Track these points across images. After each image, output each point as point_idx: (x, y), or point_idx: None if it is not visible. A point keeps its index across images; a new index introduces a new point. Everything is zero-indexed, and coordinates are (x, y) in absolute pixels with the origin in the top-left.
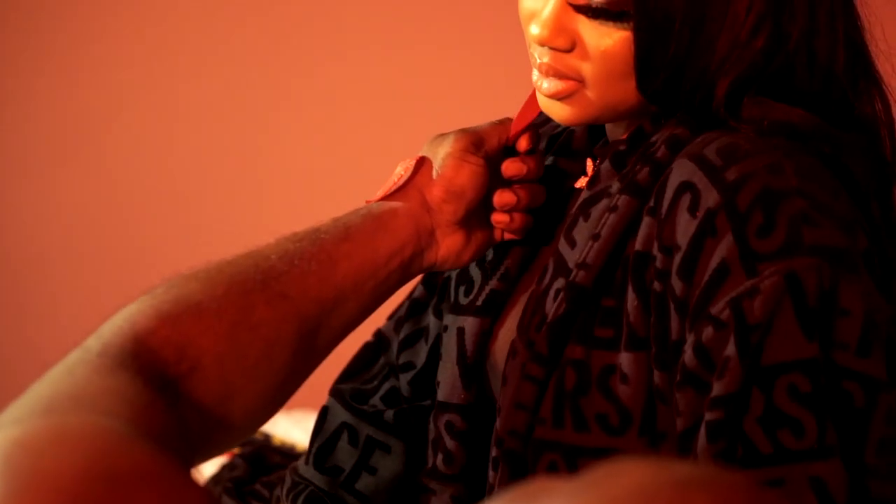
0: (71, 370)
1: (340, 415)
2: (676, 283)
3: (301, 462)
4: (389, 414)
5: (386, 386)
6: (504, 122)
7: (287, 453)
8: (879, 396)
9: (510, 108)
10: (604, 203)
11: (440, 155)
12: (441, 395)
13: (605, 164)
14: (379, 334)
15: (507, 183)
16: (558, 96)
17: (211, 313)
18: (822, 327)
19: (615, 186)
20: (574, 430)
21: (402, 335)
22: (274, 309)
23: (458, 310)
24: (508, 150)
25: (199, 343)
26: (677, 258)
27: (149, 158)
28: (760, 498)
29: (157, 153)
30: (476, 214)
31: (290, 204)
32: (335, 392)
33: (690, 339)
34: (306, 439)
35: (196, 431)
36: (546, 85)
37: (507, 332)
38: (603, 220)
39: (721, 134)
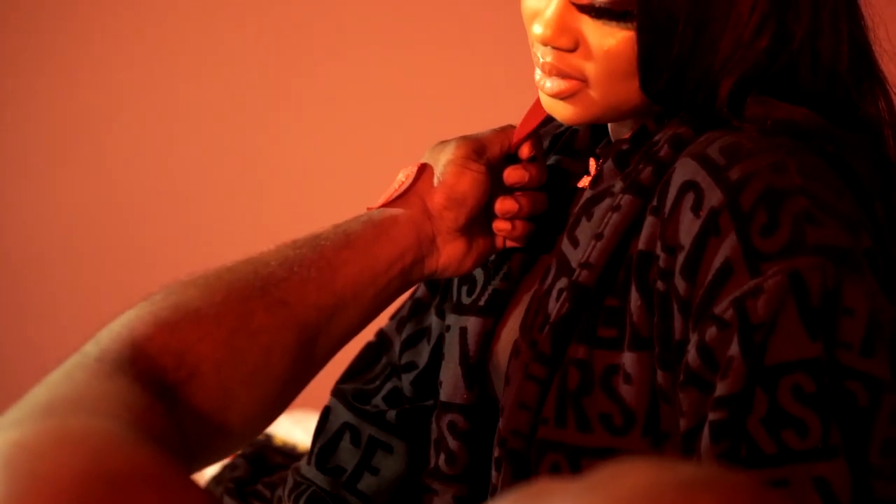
0: (69, 375)
1: (342, 415)
2: (680, 283)
3: (303, 462)
4: (392, 414)
5: (388, 386)
6: (506, 130)
7: (288, 453)
8: (883, 396)
9: (510, 108)
10: (607, 202)
11: (442, 162)
12: (443, 395)
13: (608, 164)
14: (381, 334)
15: (509, 190)
16: (561, 96)
17: (209, 320)
18: (825, 327)
19: (618, 186)
20: (577, 431)
21: (404, 335)
22: (273, 315)
23: (460, 309)
24: (510, 158)
25: (198, 350)
26: (680, 258)
27: (149, 158)
28: (764, 498)
29: (157, 153)
30: (477, 222)
31: (290, 204)
32: (337, 392)
33: (694, 338)
34: (308, 439)
35: (194, 437)
36: (549, 84)
37: (509, 331)
38: (606, 220)
39: (724, 133)
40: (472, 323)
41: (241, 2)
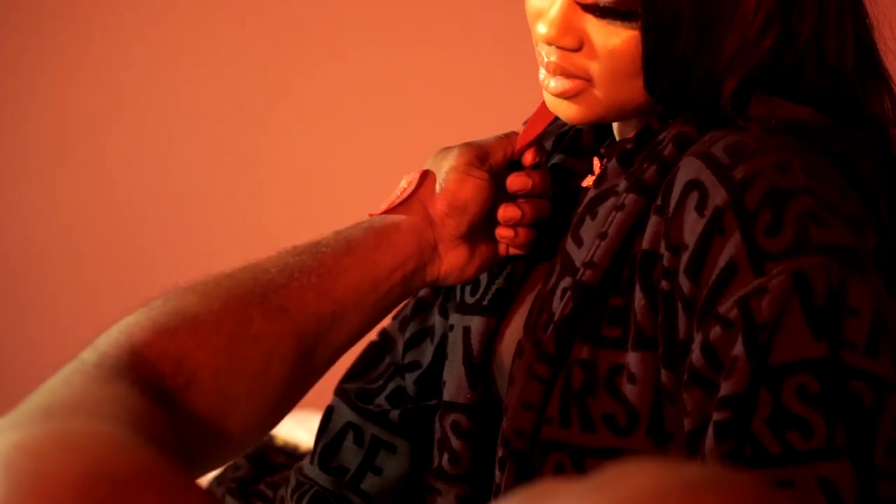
0: (67, 380)
1: (345, 414)
2: (684, 282)
3: (306, 462)
4: (395, 414)
5: (391, 385)
6: (509, 136)
7: (290, 453)
8: (888, 397)
9: (511, 108)
10: (611, 202)
11: (444, 169)
12: (447, 394)
13: (612, 163)
14: (384, 333)
15: (512, 197)
16: (565, 95)
17: (208, 326)
18: (830, 327)
19: (622, 185)
20: (581, 430)
21: (407, 334)
22: (272, 322)
23: (464, 309)
24: (514, 165)
25: (196, 356)
26: (685, 257)
27: (149, 158)
28: (769, 499)
29: (157, 153)
30: (480, 229)
31: (290, 204)
32: (340, 391)
33: (698, 338)
34: (310, 439)
35: (193, 443)
36: (553, 84)
37: (513, 331)
38: (610, 219)
39: (729, 132)
40: (475, 322)
41: (241, 2)
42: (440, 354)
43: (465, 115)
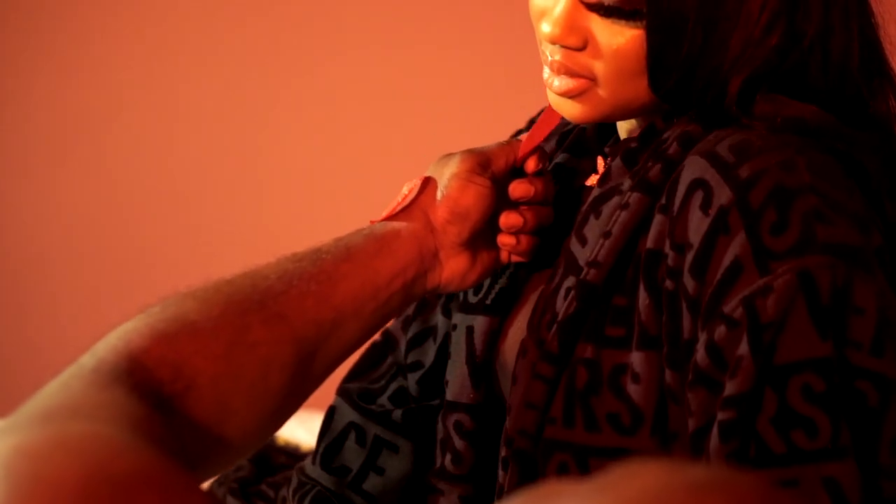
0: (66, 385)
1: (348, 414)
2: (689, 282)
3: (308, 462)
4: (397, 413)
5: (394, 385)
6: (512, 143)
7: (292, 453)
8: (893, 396)
9: (511, 108)
10: (615, 201)
11: (446, 175)
12: (450, 394)
13: (617, 162)
14: (386, 333)
15: (514, 204)
16: (569, 94)
17: (206, 333)
18: (835, 326)
19: (626, 184)
20: (585, 430)
21: (410, 334)
22: (271, 329)
23: (467, 308)
24: (516, 171)
25: (194, 362)
26: (689, 256)
27: (149, 158)
28: (774, 500)
29: (157, 153)
30: (482, 236)
31: (289, 204)
32: (342, 391)
33: (703, 337)
34: (311, 439)
35: (192, 449)
36: (557, 83)
37: (516, 330)
38: (614, 218)
39: (733, 131)
40: (478, 322)
41: (241, 2)
42: (443, 354)
43: (465, 116)
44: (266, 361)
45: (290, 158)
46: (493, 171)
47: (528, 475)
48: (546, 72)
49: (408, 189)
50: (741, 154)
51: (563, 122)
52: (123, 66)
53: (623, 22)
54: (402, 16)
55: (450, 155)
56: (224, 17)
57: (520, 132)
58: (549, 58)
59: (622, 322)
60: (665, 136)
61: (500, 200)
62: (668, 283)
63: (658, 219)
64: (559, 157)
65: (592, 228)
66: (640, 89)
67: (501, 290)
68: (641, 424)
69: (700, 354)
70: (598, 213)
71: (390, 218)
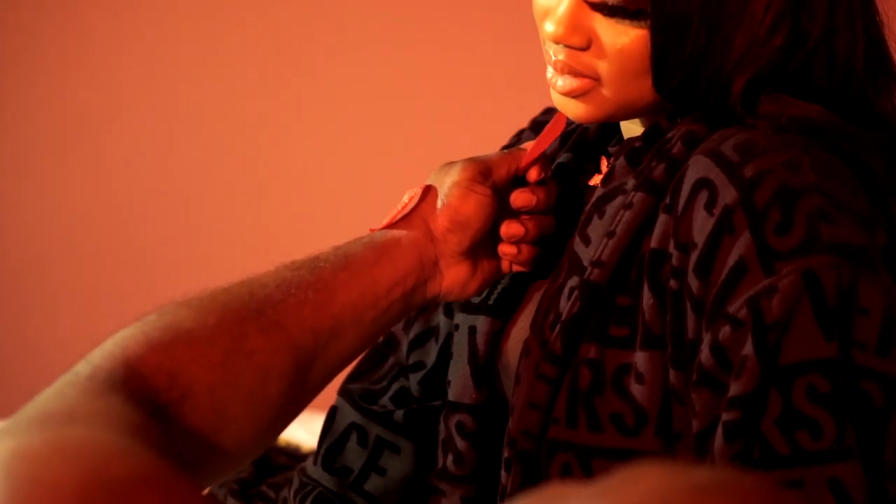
0: (61, 392)
1: (349, 415)
2: (693, 282)
3: (309, 463)
4: (399, 414)
5: (395, 386)
6: (513, 152)
7: (292, 454)
8: None
9: (511, 109)
10: (619, 200)
11: (447, 184)
12: (452, 394)
13: (620, 161)
14: (388, 334)
15: (516, 214)
16: (573, 94)
17: (202, 341)
18: (840, 326)
19: (630, 183)
20: (588, 431)
21: (411, 334)
22: (268, 338)
23: (469, 308)
24: (517, 180)
25: (190, 371)
26: (694, 256)
27: (149, 158)
28: (779, 501)
29: (157, 153)
30: (483, 245)
31: (289, 204)
32: (344, 392)
33: (707, 338)
34: (312, 440)
35: (188, 458)
36: (561, 82)
37: (519, 331)
38: (618, 218)
39: (738, 130)
40: (481, 322)
41: (241, 2)
42: (445, 354)
43: (466, 116)
44: (264, 370)
45: (290, 159)
46: (494, 179)
47: (531, 476)
48: (550, 71)
49: (408, 197)
50: (746, 153)
51: (567, 122)
52: (123, 66)
53: (627, 21)
54: (403, 16)
55: (451, 163)
56: (224, 17)
57: (521, 132)
58: (553, 57)
59: (626, 322)
60: (669, 135)
61: (501, 209)
62: (673, 283)
63: (662, 218)
64: (562, 157)
65: (596, 228)
66: (644, 89)
67: (504, 291)
68: (645, 425)
69: (704, 355)
70: (601, 213)
71: (390, 226)
